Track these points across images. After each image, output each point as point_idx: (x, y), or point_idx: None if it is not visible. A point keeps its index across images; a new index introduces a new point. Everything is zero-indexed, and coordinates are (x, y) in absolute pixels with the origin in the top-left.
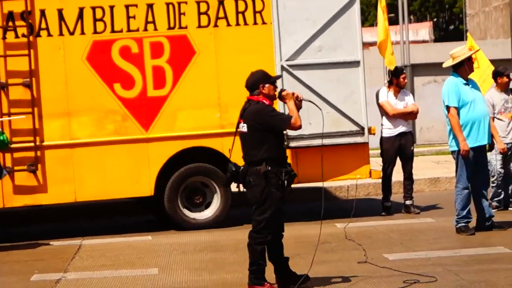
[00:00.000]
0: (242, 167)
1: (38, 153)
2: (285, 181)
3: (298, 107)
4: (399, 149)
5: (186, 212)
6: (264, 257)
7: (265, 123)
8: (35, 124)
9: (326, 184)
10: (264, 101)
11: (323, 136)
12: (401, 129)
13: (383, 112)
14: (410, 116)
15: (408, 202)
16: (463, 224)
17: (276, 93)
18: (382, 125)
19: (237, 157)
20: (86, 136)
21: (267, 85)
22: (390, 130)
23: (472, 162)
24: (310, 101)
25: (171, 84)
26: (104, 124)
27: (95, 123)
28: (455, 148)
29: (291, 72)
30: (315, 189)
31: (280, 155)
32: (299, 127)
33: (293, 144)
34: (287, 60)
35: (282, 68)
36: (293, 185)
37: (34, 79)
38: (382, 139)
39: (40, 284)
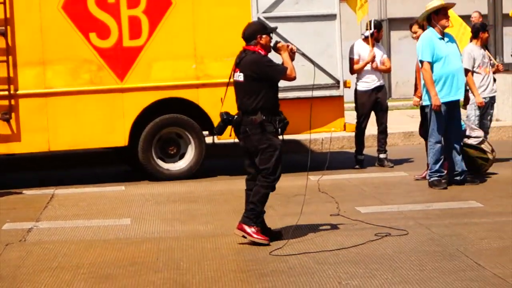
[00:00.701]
0: (236, 116)
1: (12, 101)
2: (279, 129)
3: (292, 58)
4: (375, 103)
5: (160, 162)
6: (263, 203)
7: (262, 73)
8: (10, 72)
9: (300, 136)
10: (260, 51)
11: (313, 88)
12: (377, 83)
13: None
14: (384, 69)
15: (382, 156)
16: (436, 178)
17: (271, 44)
18: (357, 79)
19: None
20: (61, 86)
21: (264, 36)
22: (366, 83)
23: (445, 117)
24: (303, 53)
25: (147, 35)
26: (79, 73)
27: (70, 72)
28: (428, 103)
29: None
30: (290, 142)
31: (274, 104)
32: (294, 78)
33: None
34: (263, 12)
35: (259, 19)
36: None
37: (9, 27)
38: (358, 93)
39: (12, 233)
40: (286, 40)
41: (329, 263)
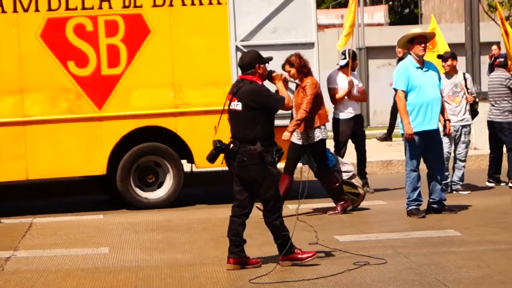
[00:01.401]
0: (231, 145)
1: None
2: (276, 159)
3: (285, 88)
4: (353, 131)
5: (138, 191)
6: (285, 227)
7: (261, 103)
8: None
9: (278, 165)
10: (258, 81)
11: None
12: (356, 111)
13: (332, 96)
14: (360, 98)
15: (364, 180)
16: (414, 206)
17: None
18: (336, 108)
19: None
20: (39, 114)
21: (262, 66)
22: (345, 113)
23: (419, 146)
24: (295, 82)
25: (125, 63)
26: (57, 102)
27: (48, 100)
28: (403, 131)
29: None
30: None
31: (271, 134)
32: (291, 108)
33: None
34: (241, 41)
35: (237, 48)
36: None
37: None
38: (339, 121)
39: None
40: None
41: None
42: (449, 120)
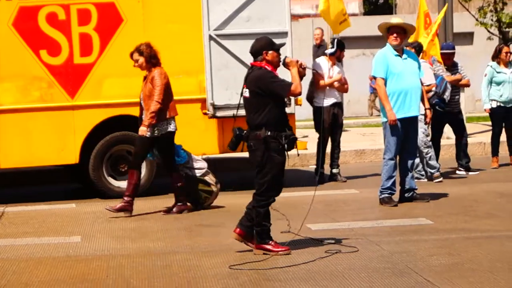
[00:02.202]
0: (245, 131)
1: None
2: (285, 145)
3: (302, 74)
4: (332, 119)
5: (111, 180)
6: (268, 218)
7: (266, 89)
8: None
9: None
10: (267, 67)
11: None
12: (336, 99)
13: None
14: (342, 87)
15: (335, 171)
16: (386, 195)
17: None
18: (316, 97)
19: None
20: (11, 103)
21: (270, 52)
22: (327, 100)
23: (400, 133)
24: (313, 69)
25: (98, 52)
26: (30, 90)
27: (20, 89)
28: (385, 119)
29: (218, 41)
30: (240, 159)
31: (280, 120)
32: (299, 94)
33: (219, 114)
34: (215, 30)
35: (210, 37)
36: (221, 155)
37: None
38: (321, 109)
39: None
40: (238, 58)
41: (279, 280)
42: (429, 109)
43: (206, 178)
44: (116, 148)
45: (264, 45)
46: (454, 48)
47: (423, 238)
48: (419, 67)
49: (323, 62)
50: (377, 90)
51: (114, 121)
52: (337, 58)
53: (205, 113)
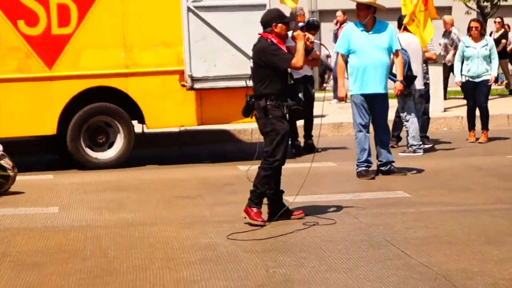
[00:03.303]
0: (252, 99)
1: None
2: (287, 115)
3: (309, 48)
4: (304, 92)
5: (88, 151)
6: (264, 183)
7: (266, 61)
8: None
9: (229, 126)
10: (273, 39)
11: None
12: (305, 72)
13: None
14: (313, 62)
15: (310, 142)
16: (363, 168)
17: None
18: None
19: None
20: None
21: (279, 25)
22: (296, 73)
23: (363, 108)
24: (321, 43)
25: (75, 23)
26: (7, 61)
27: None
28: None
29: (196, 13)
30: (219, 131)
31: (281, 91)
32: (300, 68)
33: (197, 85)
34: (193, 1)
35: (188, 9)
36: (199, 127)
37: None
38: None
39: None
40: (215, 30)
41: (257, 251)
42: (401, 81)
43: (2, 162)
44: (94, 119)
45: (274, 17)
46: None
47: (400, 211)
48: (392, 41)
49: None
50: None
51: (91, 92)
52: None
53: (183, 85)
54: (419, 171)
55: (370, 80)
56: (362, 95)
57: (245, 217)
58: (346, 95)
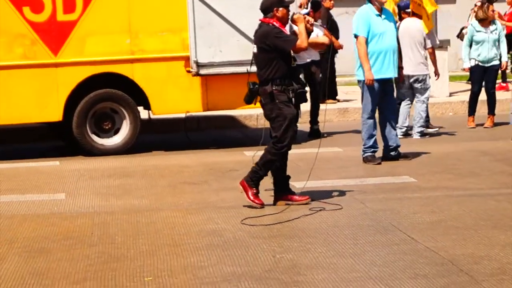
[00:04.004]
0: (257, 85)
1: None
2: (293, 99)
3: (310, 30)
4: (309, 76)
5: (94, 138)
6: (268, 167)
7: (271, 44)
8: None
9: (235, 112)
10: (275, 23)
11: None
12: (312, 57)
13: None
14: (320, 46)
15: (316, 127)
16: (370, 153)
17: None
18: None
19: None
20: None
21: (281, 9)
22: (300, 58)
23: (378, 93)
24: (321, 25)
25: (81, 9)
26: (12, 47)
27: (3, 46)
28: (362, 78)
29: None
30: (225, 117)
31: (288, 74)
32: (305, 49)
33: (203, 71)
34: None
35: None
36: (204, 113)
37: None
38: (307, 66)
39: None
40: (220, 15)
41: (264, 237)
42: (402, 68)
43: None
44: (100, 106)
45: (275, 2)
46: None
47: (406, 196)
48: (395, 27)
49: None
50: (358, 49)
51: (97, 78)
52: (313, 18)
53: (188, 71)
54: (425, 155)
55: (390, 65)
56: (378, 80)
57: (241, 192)
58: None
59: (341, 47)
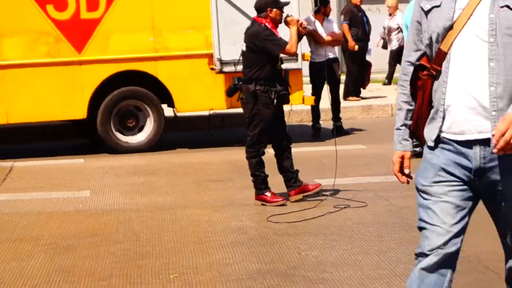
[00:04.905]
0: (241, 82)
1: None
2: (274, 100)
3: (302, 34)
4: (329, 74)
5: (119, 135)
6: (260, 168)
7: (260, 46)
8: None
9: None
10: (267, 24)
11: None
12: (331, 54)
13: (310, 40)
14: (336, 43)
15: (339, 124)
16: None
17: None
18: (311, 52)
19: None
20: (18, 58)
21: (274, 10)
22: (319, 56)
23: None
24: (313, 29)
25: (104, 7)
26: (36, 45)
27: (27, 44)
28: None
29: None
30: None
31: (273, 76)
32: (294, 54)
33: (226, 69)
34: None
35: None
36: (228, 110)
37: None
38: (313, 65)
39: None
40: (242, 11)
41: (289, 234)
42: None
43: None
44: (124, 103)
45: (269, 2)
46: None
47: None
48: None
49: (311, 20)
50: None
51: (121, 76)
52: (323, 13)
53: (212, 68)
54: None
55: None
56: None
57: (262, 204)
58: None
59: (353, 47)
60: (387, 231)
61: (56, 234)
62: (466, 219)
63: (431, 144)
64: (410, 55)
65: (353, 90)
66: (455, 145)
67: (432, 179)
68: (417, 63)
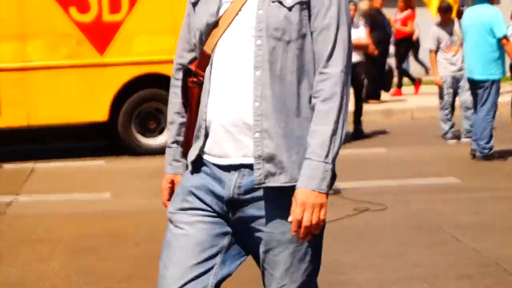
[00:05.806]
0: None
1: None
2: None
3: None
4: (353, 77)
5: (139, 137)
6: None
7: None
8: None
9: None
10: None
11: None
12: (356, 58)
13: None
14: (359, 48)
15: (359, 127)
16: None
17: None
18: None
19: None
20: (40, 59)
21: None
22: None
23: None
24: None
25: (127, 9)
26: (59, 47)
27: (50, 46)
28: (497, 77)
29: None
30: None
31: None
32: None
33: None
34: None
35: None
36: None
37: None
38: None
39: None
40: None
41: None
42: None
43: None
44: (145, 106)
45: None
46: None
47: (451, 196)
48: None
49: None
50: (508, 48)
51: (143, 78)
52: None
53: None
54: (468, 156)
55: None
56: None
57: None
58: None
59: (373, 52)
60: (406, 234)
61: (76, 236)
62: (216, 260)
63: (190, 167)
64: (182, 56)
65: (374, 93)
66: (215, 168)
67: (178, 205)
68: (187, 66)
